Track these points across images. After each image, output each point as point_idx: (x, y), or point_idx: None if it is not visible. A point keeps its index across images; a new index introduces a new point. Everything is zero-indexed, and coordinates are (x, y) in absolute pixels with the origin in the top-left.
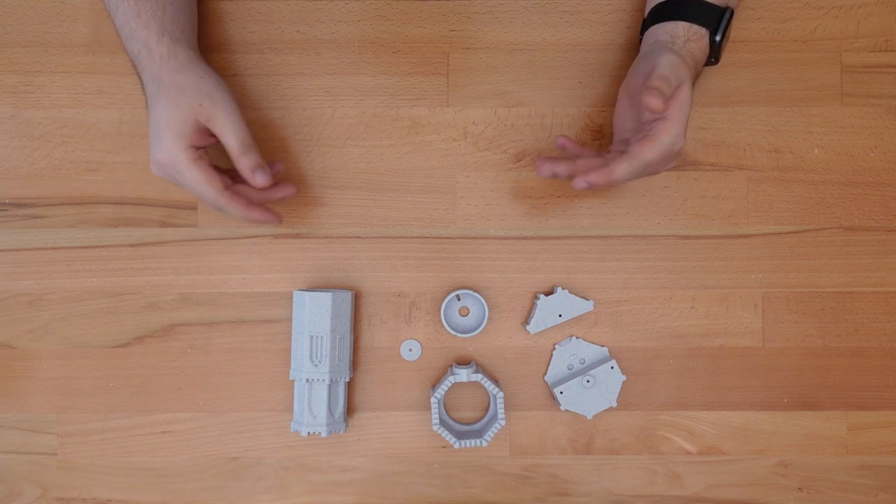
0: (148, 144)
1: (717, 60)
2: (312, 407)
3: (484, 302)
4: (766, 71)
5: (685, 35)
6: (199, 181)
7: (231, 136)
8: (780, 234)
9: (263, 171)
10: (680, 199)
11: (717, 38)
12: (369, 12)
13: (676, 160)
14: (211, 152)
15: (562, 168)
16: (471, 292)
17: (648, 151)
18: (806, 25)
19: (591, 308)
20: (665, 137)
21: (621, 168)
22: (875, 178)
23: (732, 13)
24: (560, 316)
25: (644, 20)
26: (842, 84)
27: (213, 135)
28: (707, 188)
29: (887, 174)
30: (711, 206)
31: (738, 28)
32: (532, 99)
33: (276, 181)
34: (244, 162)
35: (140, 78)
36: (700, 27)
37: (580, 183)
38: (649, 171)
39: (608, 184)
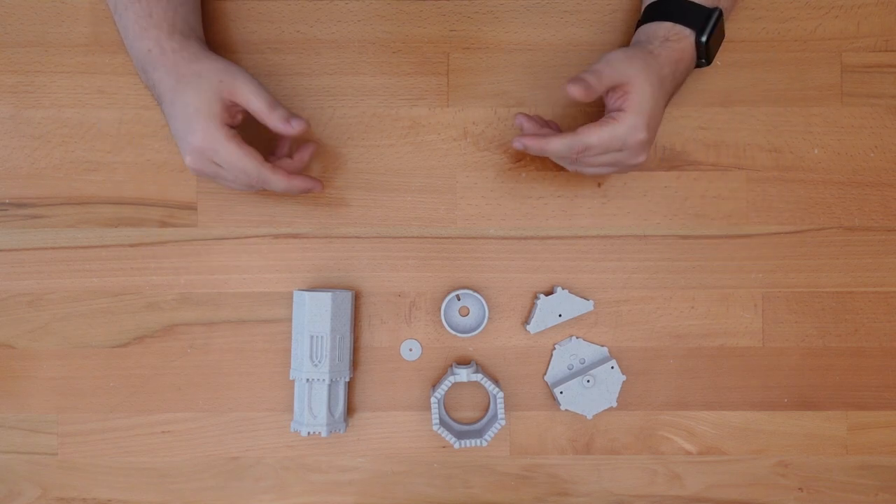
0: (150, 144)
1: (708, 61)
2: (312, 407)
3: (484, 302)
4: (766, 71)
5: (664, 35)
6: (240, 156)
7: (256, 98)
8: (780, 234)
9: (297, 118)
10: (680, 199)
11: (703, 38)
12: (369, 12)
13: (643, 154)
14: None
15: (534, 143)
16: (471, 292)
17: (592, 134)
18: (806, 25)
19: (591, 308)
20: (617, 126)
21: (556, 142)
22: (875, 178)
23: (721, 14)
24: (560, 316)
25: (638, 21)
26: (842, 84)
27: (239, 111)
28: (707, 188)
29: (887, 174)
30: (711, 206)
31: (738, 28)
32: (532, 99)
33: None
34: (276, 116)
35: (148, 77)
36: (684, 27)
37: (516, 143)
38: (606, 161)
39: (541, 152)
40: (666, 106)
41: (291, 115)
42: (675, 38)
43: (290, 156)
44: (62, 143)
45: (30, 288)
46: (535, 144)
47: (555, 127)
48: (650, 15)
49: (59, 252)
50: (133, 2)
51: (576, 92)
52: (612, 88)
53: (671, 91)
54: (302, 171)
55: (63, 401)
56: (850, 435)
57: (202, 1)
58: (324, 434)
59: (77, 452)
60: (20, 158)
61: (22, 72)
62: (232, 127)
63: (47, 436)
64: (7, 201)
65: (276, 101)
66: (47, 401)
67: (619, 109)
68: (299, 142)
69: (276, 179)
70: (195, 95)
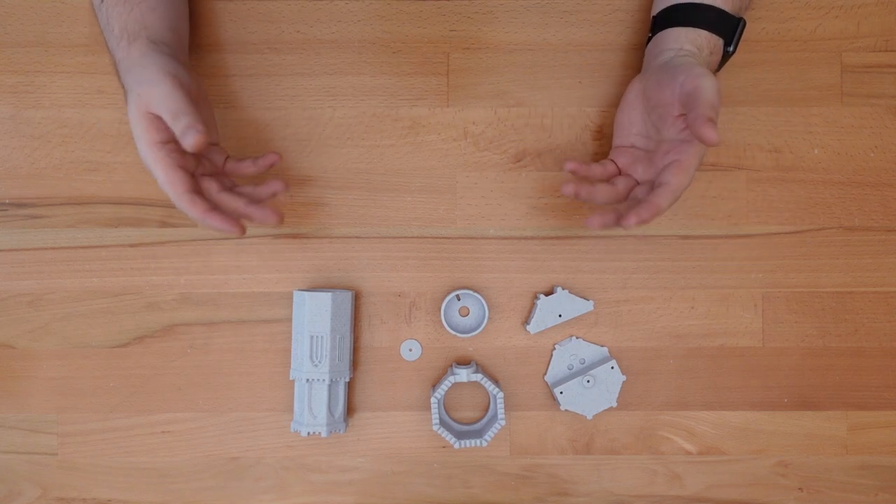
0: None
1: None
2: (312, 407)
3: (484, 302)
4: (766, 71)
5: (708, 47)
6: (162, 180)
7: (162, 107)
8: (780, 234)
9: (195, 130)
10: (680, 199)
11: (731, 48)
12: (369, 12)
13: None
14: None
15: (584, 191)
16: (471, 292)
17: (684, 178)
18: (806, 25)
19: (591, 308)
20: (694, 161)
21: (665, 202)
22: (875, 178)
23: (745, 25)
24: (560, 316)
25: (654, 18)
26: (842, 84)
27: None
28: (707, 188)
29: (887, 174)
30: (711, 206)
31: None
32: (532, 99)
33: (267, 178)
34: (176, 128)
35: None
36: (718, 38)
37: (631, 220)
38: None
39: (654, 219)
40: None
41: (191, 126)
42: (716, 51)
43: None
44: (62, 143)
45: (30, 288)
46: (649, 215)
47: (579, 165)
48: (673, 18)
49: (59, 252)
50: (99, 10)
51: (713, 138)
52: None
53: None
54: (260, 201)
55: (63, 401)
56: (851, 435)
57: (202, 1)
58: (324, 434)
59: (77, 452)
60: (20, 158)
61: (22, 72)
62: (167, 143)
63: (47, 436)
64: (7, 201)
65: (184, 109)
66: (47, 401)
67: (688, 140)
68: (283, 177)
69: (192, 212)
70: (129, 114)
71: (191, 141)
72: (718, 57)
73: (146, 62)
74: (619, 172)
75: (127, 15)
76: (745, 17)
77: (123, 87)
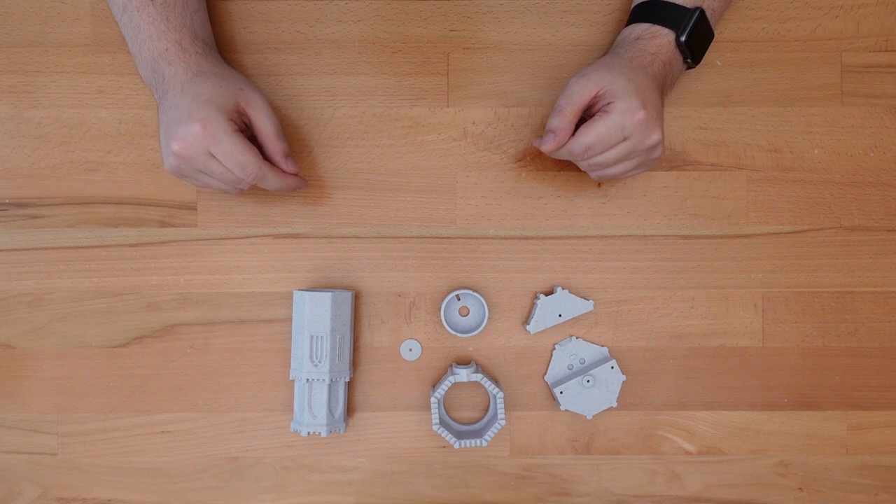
0: (150, 144)
1: (694, 61)
2: (312, 407)
3: (484, 302)
4: (766, 71)
5: (637, 35)
6: (243, 149)
7: (268, 121)
8: (780, 233)
9: (292, 160)
10: (680, 199)
11: (683, 37)
12: (369, 12)
13: (654, 134)
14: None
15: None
16: (471, 292)
17: (589, 133)
18: (806, 25)
19: (591, 308)
20: (609, 116)
21: (563, 150)
22: (875, 178)
23: (701, 13)
24: (560, 316)
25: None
26: (842, 84)
27: (243, 124)
28: (707, 188)
29: (887, 174)
30: (711, 206)
31: (737, 28)
32: (532, 99)
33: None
34: (279, 147)
35: (158, 73)
36: (660, 27)
37: (536, 142)
38: (619, 156)
39: (551, 152)
40: (662, 95)
41: (289, 154)
42: (648, 37)
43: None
44: (62, 143)
45: (30, 288)
46: (551, 148)
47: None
48: (633, 19)
49: (59, 252)
50: (145, 4)
51: (548, 146)
52: (591, 104)
53: (659, 78)
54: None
55: (63, 401)
56: (850, 435)
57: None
58: (324, 434)
59: (77, 452)
60: (20, 158)
61: (22, 72)
62: (240, 130)
63: (47, 436)
64: (7, 201)
65: (283, 133)
66: (47, 401)
67: (608, 103)
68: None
69: (273, 176)
70: (211, 89)
71: (292, 167)
72: (657, 42)
73: (236, 71)
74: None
75: (191, 20)
76: (702, 7)
77: (190, 69)
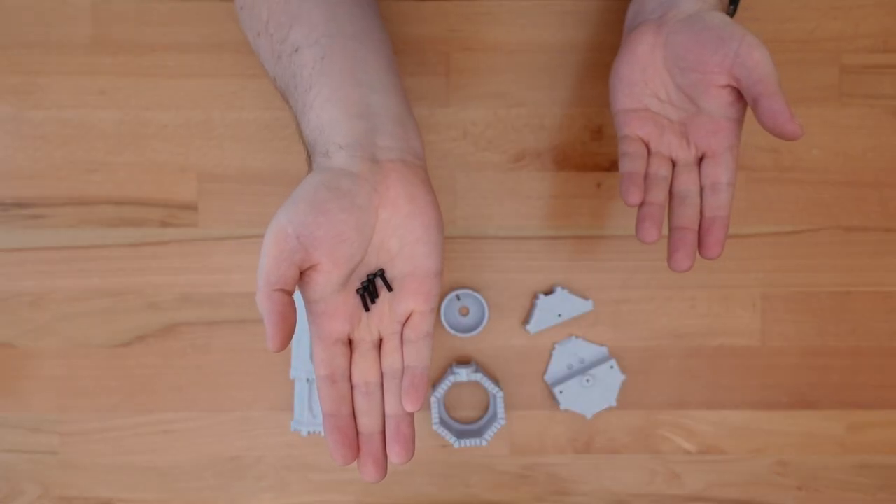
0: (151, 144)
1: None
2: (313, 406)
3: (484, 302)
4: None
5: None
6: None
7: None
8: (779, 233)
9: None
10: None
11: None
12: None
13: None
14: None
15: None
16: (471, 292)
17: (736, 168)
18: (805, 26)
19: (591, 308)
20: (738, 143)
21: (729, 204)
22: (874, 178)
23: None
24: (560, 315)
25: None
26: (841, 84)
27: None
28: None
29: (886, 174)
30: None
31: None
32: (532, 99)
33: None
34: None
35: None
36: None
37: (714, 251)
38: None
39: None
40: None
41: None
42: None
43: None
44: (63, 143)
45: (31, 288)
46: (721, 237)
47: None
48: None
49: (60, 252)
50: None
51: (795, 131)
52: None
53: None
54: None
55: (64, 400)
56: (849, 434)
57: (201, 0)
58: (324, 434)
59: (78, 451)
60: (21, 159)
61: (23, 72)
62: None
63: (48, 435)
64: (8, 201)
65: None
66: (48, 400)
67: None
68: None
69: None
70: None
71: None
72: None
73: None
74: (648, 148)
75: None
76: None
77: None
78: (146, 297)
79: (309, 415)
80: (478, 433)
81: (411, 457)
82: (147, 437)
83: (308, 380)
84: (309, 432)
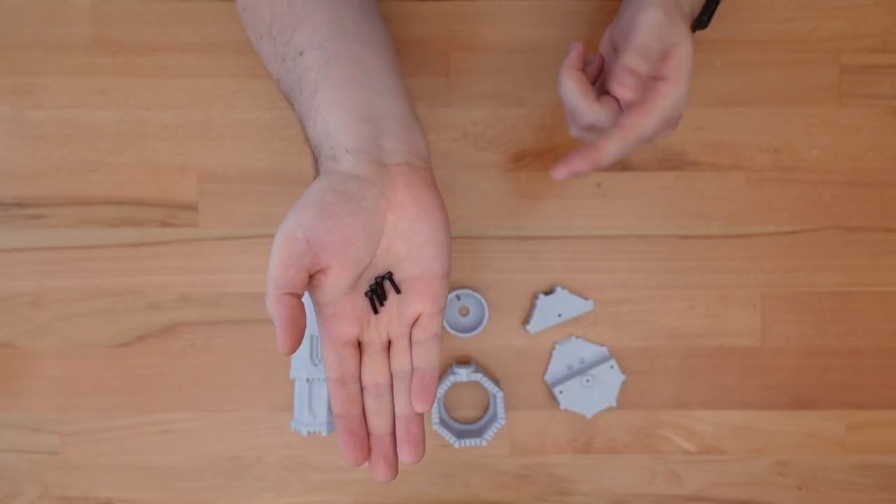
0: (151, 144)
1: (707, 22)
2: (313, 406)
3: (484, 302)
4: (764, 72)
5: None
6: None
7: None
8: (779, 233)
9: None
10: (679, 199)
11: None
12: None
13: (675, 128)
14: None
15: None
16: (471, 292)
17: (645, 123)
18: (805, 26)
19: (591, 308)
20: (664, 102)
21: (611, 147)
22: (873, 179)
23: None
24: (560, 315)
25: None
26: (840, 84)
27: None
28: (706, 188)
29: (885, 174)
30: (710, 206)
31: (737, 29)
32: (532, 99)
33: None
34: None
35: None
36: None
37: (561, 172)
38: (644, 141)
39: (597, 168)
40: None
41: None
42: None
43: None
44: (63, 143)
45: (31, 288)
46: (586, 166)
47: (598, 64)
48: None
49: (60, 252)
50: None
51: (625, 94)
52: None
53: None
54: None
55: (64, 400)
56: (849, 434)
57: (200, 0)
58: (324, 434)
59: (78, 451)
60: (21, 159)
61: (23, 72)
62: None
63: (49, 435)
64: (8, 201)
65: None
66: (49, 400)
67: (661, 78)
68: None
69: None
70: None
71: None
72: None
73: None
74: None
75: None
76: None
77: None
78: (146, 297)
79: (309, 415)
80: (478, 433)
81: (422, 456)
82: (147, 437)
83: (308, 380)
84: (309, 432)
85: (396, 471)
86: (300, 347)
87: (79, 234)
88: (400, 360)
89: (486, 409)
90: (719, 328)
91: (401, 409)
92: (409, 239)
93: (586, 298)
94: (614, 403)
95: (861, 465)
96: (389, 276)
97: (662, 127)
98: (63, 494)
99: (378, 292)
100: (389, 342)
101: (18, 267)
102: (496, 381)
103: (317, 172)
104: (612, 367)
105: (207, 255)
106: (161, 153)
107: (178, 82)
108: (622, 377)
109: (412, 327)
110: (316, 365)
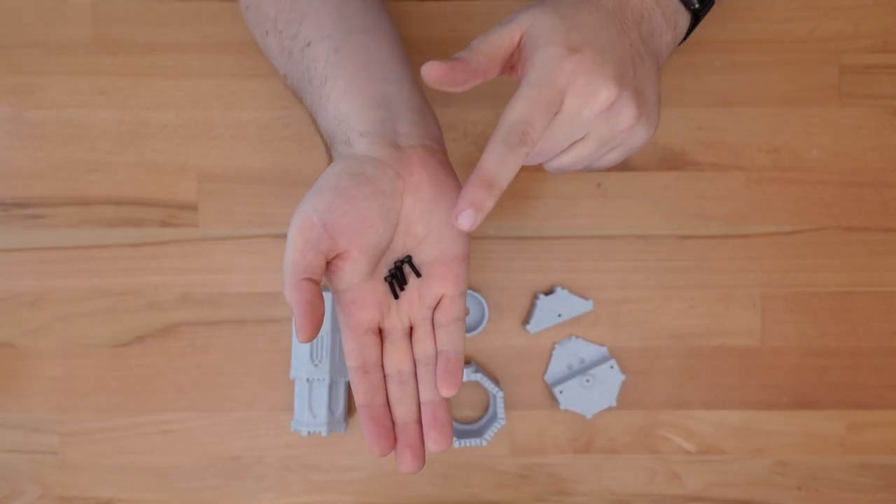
0: (151, 144)
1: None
2: (313, 406)
3: (484, 302)
4: (764, 72)
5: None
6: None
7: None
8: (779, 234)
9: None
10: (679, 199)
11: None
12: None
13: (611, 87)
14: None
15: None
16: (471, 292)
17: (515, 105)
18: (804, 26)
19: (591, 308)
20: (530, 72)
21: (492, 151)
22: (873, 179)
23: None
24: (560, 316)
25: None
26: (840, 85)
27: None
28: (706, 188)
29: (885, 174)
30: (710, 206)
31: (737, 29)
32: None
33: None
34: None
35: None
36: None
37: (463, 219)
38: (576, 133)
39: (496, 181)
40: (642, 49)
41: None
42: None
43: None
44: (63, 143)
45: (31, 288)
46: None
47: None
48: None
49: (60, 252)
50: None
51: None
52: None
53: (634, 21)
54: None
55: (64, 400)
56: (849, 434)
57: (200, 0)
58: (324, 434)
59: (78, 451)
60: (21, 159)
61: (23, 72)
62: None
63: (49, 435)
64: (8, 201)
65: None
66: (49, 400)
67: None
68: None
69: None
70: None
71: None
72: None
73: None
74: None
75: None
76: None
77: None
78: (146, 297)
79: (309, 415)
80: (478, 433)
81: (450, 443)
82: (147, 437)
83: (308, 380)
84: (309, 432)
85: (424, 460)
86: (300, 347)
87: (79, 234)
88: (423, 345)
89: (486, 409)
90: (719, 328)
91: (426, 394)
92: (427, 221)
93: (586, 298)
94: (614, 403)
95: (861, 465)
96: (409, 259)
97: (550, 99)
98: (63, 494)
99: (398, 276)
100: (411, 328)
101: (18, 267)
102: (496, 381)
103: (330, 160)
104: (612, 367)
105: (207, 255)
106: (161, 153)
107: (178, 82)
108: (622, 377)
109: (434, 311)
110: (316, 365)
